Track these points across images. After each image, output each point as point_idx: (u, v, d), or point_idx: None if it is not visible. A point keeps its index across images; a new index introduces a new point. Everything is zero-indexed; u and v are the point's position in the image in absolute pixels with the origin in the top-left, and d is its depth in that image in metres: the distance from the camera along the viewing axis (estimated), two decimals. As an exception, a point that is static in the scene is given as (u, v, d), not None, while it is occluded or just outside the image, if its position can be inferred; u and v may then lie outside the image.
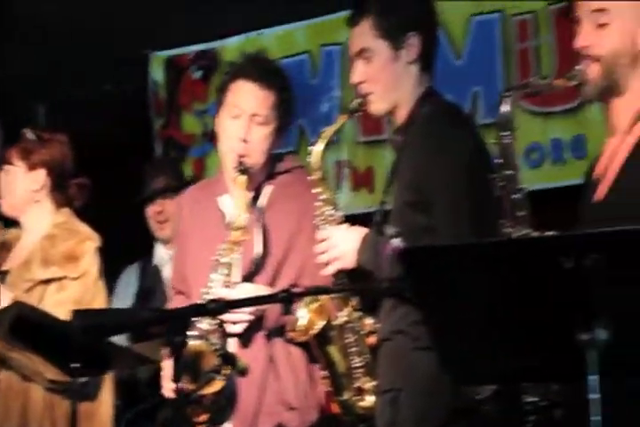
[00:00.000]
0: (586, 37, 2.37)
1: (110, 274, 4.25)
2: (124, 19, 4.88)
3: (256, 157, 2.98)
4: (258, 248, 2.96)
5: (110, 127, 5.46)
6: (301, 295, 2.18)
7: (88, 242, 3.33)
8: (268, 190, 3.05)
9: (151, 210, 4.31)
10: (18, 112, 5.70)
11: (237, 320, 2.86)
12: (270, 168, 3.06)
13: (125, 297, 4.30)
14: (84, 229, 3.39)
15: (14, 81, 5.38)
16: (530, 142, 4.52)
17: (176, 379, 2.53)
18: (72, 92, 5.64)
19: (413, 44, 2.72)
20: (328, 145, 2.79)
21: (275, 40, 5.06)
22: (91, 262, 3.30)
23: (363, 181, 4.82)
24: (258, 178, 3.03)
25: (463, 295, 1.89)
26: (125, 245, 4.11)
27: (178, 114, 5.34)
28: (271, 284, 2.94)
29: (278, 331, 2.94)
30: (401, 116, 2.76)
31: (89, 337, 1.82)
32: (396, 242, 2.51)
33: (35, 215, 3.41)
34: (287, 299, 2.12)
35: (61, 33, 4.99)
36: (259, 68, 2.99)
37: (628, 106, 2.36)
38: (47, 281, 3.25)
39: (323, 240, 2.72)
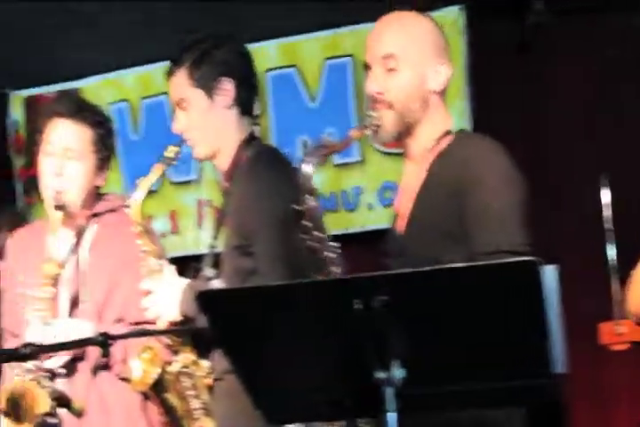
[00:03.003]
0: (377, 84, 2.42)
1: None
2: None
3: (73, 193, 3.01)
4: (79, 284, 2.99)
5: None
6: (117, 338, 2.20)
7: None
8: (92, 229, 3.08)
9: None
10: None
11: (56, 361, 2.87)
12: (94, 206, 3.09)
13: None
14: None
15: None
16: (384, 182, 4.67)
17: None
18: None
19: (227, 88, 2.78)
20: (148, 195, 2.78)
21: (133, 81, 5.10)
22: None
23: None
24: (82, 215, 3.06)
25: (261, 336, 1.94)
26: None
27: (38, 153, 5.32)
28: (97, 319, 2.96)
29: (105, 369, 2.95)
30: (224, 161, 2.82)
31: None
32: (216, 283, 2.56)
33: None
34: (103, 342, 2.13)
35: None
36: (71, 106, 3.04)
37: (420, 144, 2.45)
38: None
39: (147, 292, 2.75)
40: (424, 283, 1.85)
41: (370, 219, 4.69)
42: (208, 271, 2.66)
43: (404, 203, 2.46)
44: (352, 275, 1.90)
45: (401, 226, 2.44)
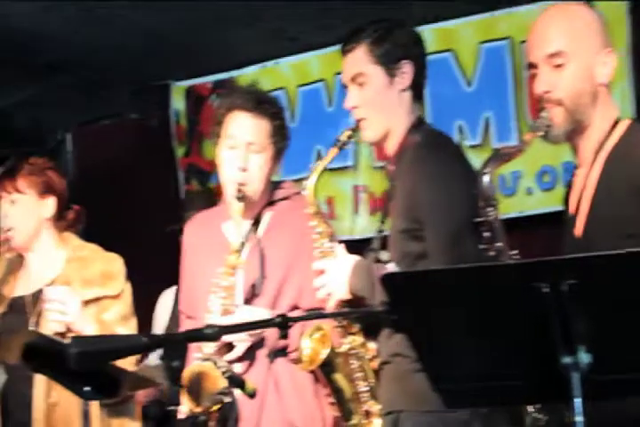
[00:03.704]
0: (545, 82, 2.35)
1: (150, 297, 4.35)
2: (146, 49, 5.01)
3: (255, 185, 3.05)
4: (257, 272, 3.04)
5: (134, 155, 5.58)
6: (295, 320, 2.23)
7: (118, 261, 3.38)
8: (267, 217, 3.13)
9: None
10: (45, 140, 5.85)
11: (237, 344, 2.93)
12: (270, 195, 3.14)
13: (162, 319, 4.42)
14: (101, 249, 3.42)
15: (41, 107, 5.51)
16: (542, 166, 4.59)
17: (175, 401, 2.57)
18: (97, 120, 5.78)
19: (406, 71, 2.78)
20: (320, 178, 2.81)
21: (290, 69, 5.16)
22: (125, 280, 3.35)
23: (380, 205, 4.90)
24: (258, 205, 3.11)
25: (445, 319, 1.95)
26: (164, 269, 4.09)
27: (199, 141, 5.45)
28: (272, 306, 3.01)
29: (280, 352, 3.00)
30: (392, 144, 2.81)
31: (85, 363, 1.89)
32: (391, 267, 2.57)
33: (43, 242, 3.38)
34: (281, 324, 2.16)
35: (85, 62, 5.13)
36: (251, 99, 3.07)
37: (590, 139, 2.38)
38: (87, 302, 3.24)
39: (319, 272, 2.78)
40: (613, 267, 1.83)
41: (528, 204, 4.62)
42: (383, 255, 2.67)
43: (580, 204, 2.40)
44: (539, 258, 1.87)
45: (578, 228, 2.38)
